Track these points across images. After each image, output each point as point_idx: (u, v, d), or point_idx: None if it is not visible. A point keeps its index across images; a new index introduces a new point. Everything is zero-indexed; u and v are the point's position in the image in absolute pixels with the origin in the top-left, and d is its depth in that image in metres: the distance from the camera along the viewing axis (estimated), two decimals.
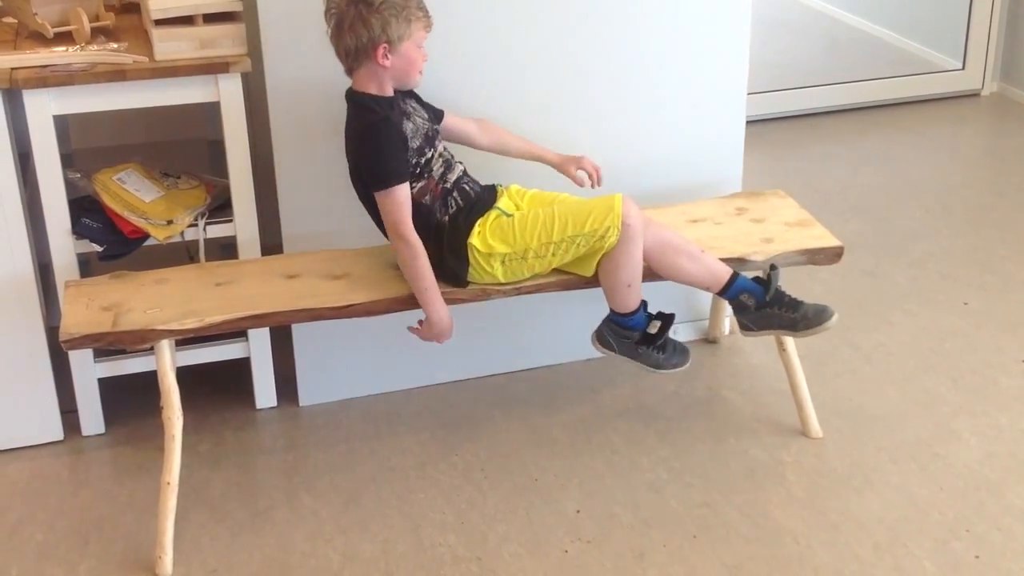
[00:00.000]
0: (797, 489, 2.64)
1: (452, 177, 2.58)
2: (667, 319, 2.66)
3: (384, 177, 2.45)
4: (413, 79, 2.51)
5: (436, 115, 2.64)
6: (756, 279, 2.67)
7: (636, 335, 2.66)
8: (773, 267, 2.66)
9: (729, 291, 2.66)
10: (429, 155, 2.54)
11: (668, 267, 2.62)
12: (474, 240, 2.53)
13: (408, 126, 2.50)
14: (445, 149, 2.60)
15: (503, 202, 2.63)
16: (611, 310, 2.65)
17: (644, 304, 2.65)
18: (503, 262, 2.54)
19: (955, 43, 5.10)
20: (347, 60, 2.47)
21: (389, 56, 2.43)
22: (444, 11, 2.58)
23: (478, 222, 2.55)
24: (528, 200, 2.67)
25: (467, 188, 2.60)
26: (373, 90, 2.47)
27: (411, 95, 2.59)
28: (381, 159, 2.45)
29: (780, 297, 2.66)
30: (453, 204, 2.56)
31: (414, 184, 2.51)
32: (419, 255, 2.48)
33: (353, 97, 2.50)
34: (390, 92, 2.50)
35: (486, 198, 2.62)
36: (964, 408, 2.93)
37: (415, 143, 2.50)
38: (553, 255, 2.54)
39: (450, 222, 2.54)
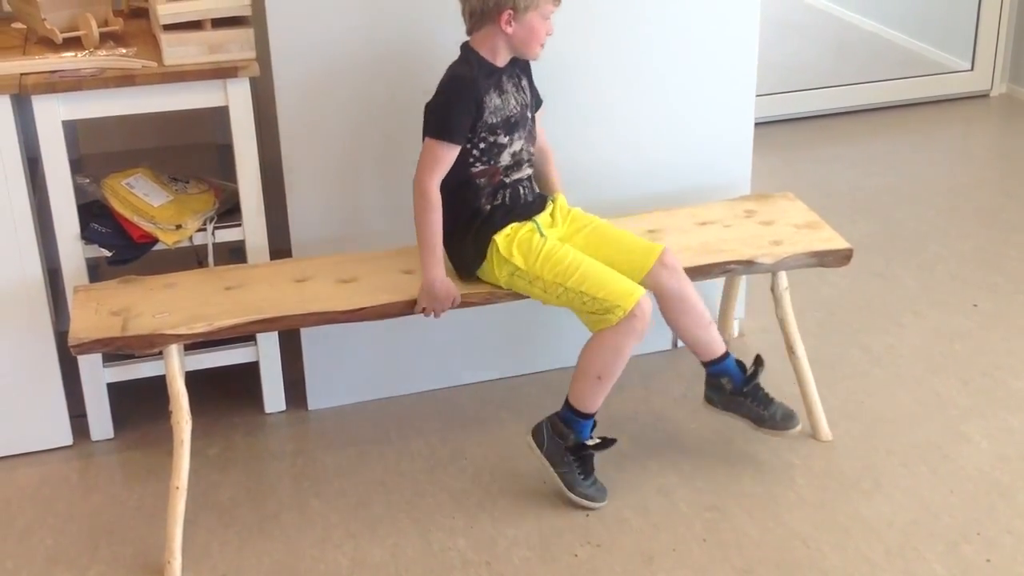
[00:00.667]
0: (807, 492, 2.63)
1: (515, 176, 2.56)
2: (608, 442, 2.58)
3: (438, 127, 2.44)
4: (533, 50, 2.49)
5: (534, 103, 2.61)
6: (739, 363, 2.64)
7: (571, 440, 2.55)
8: (760, 361, 2.65)
9: (714, 367, 2.63)
10: (502, 141, 2.51)
11: (675, 319, 2.58)
12: (499, 239, 2.51)
13: (494, 101, 2.48)
14: (523, 150, 2.57)
15: (543, 217, 2.59)
16: (566, 402, 2.57)
17: (594, 422, 2.59)
18: (512, 273, 2.52)
19: (964, 44, 5.09)
20: (470, 20, 2.46)
21: (512, 23, 2.41)
22: (455, 15, 2.57)
23: (512, 225, 2.53)
24: (570, 221, 2.63)
25: (521, 191, 2.58)
26: (484, 52, 2.47)
27: (525, 72, 2.57)
28: (446, 110, 2.44)
29: (756, 391, 2.64)
30: (501, 198, 2.55)
31: (476, 164, 2.50)
32: (432, 210, 2.46)
33: (463, 48, 2.50)
34: (499, 62, 2.48)
35: (533, 206, 2.60)
36: (974, 410, 2.92)
37: (491, 119, 2.48)
38: (558, 297, 2.50)
39: (489, 213, 2.53)
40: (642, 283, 2.51)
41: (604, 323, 2.46)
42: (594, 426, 2.58)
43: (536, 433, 2.60)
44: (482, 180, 2.52)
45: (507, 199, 2.55)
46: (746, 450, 2.77)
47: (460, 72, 2.47)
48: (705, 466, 2.72)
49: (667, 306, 2.57)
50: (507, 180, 2.55)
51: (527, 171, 2.60)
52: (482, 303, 2.59)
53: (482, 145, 2.49)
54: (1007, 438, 2.81)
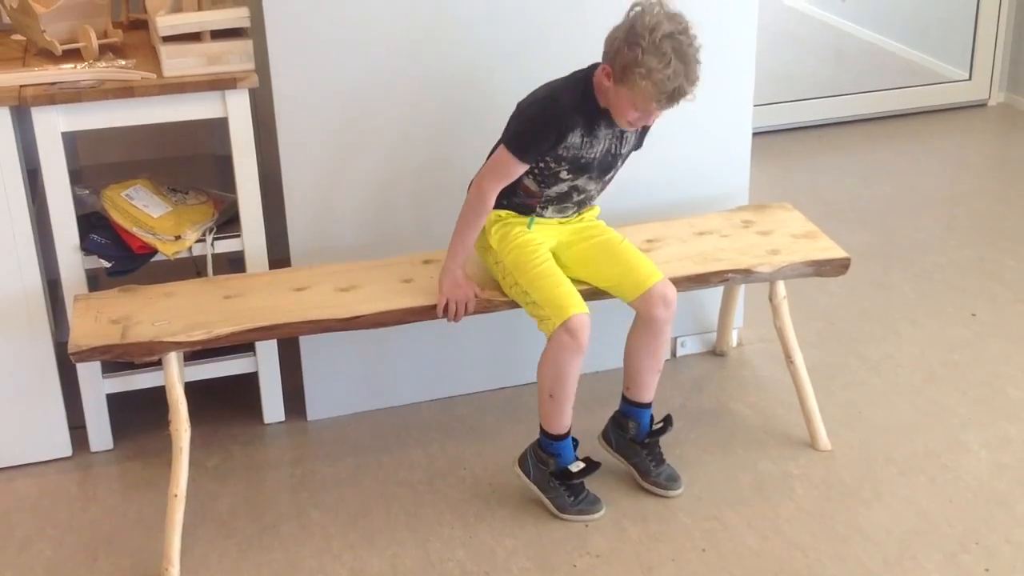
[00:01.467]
0: (806, 502, 2.63)
1: (552, 207, 2.56)
2: (592, 466, 2.59)
3: (518, 142, 2.41)
4: (619, 119, 2.41)
5: (631, 151, 2.58)
6: (651, 417, 2.67)
7: (553, 464, 2.57)
8: (669, 420, 2.68)
9: (631, 409, 2.66)
10: (563, 176, 2.48)
11: (637, 347, 2.60)
12: (491, 216, 2.53)
13: (575, 139, 2.43)
14: (582, 190, 2.53)
15: (546, 219, 2.59)
16: (540, 426, 2.59)
17: (575, 442, 2.59)
18: (488, 253, 2.57)
19: (962, 54, 5.10)
20: (604, 45, 2.38)
21: (611, 81, 2.34)
22: (452, 26, 2.58)
23: (510, 211, 2.55)
24: (582, 229, 2.61)
25: (537, 208, 2.57)
26: (597, 87, 2.40)
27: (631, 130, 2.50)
28: (531, 129, 2.41)
29: (654, 447, 2.67)
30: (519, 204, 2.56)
31: (528, 180, 2.49)
32: (481, 214, 2.48)
33: (588, 69, 2.44)
34: (603, 103, 2.42)
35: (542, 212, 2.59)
36: (973, 420, 2.92)
37: (564, 153, 2.44)
38: (510, 288, 2.53)
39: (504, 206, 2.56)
40: (633, 302, 2.53)
41: (543, 330, 2.49)
42: (576, 444, 2.59)
43: (522, 462, 2.63)
44: (522, 195, 2.53)
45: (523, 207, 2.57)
46: (745, 460, 2.77)
47: (560, 99, 2.40)
48: (704, 476, 2.72)
49: (639, 333, 2.58)
50: (540, 207, 2.56)
51: (568, 209, 2.59)
52: (477, 311, 2.59)
53: (542, 166, 2.48)
54: (1005, 447, 2.81)
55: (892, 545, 2.49)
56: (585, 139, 2.44)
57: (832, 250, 2.79)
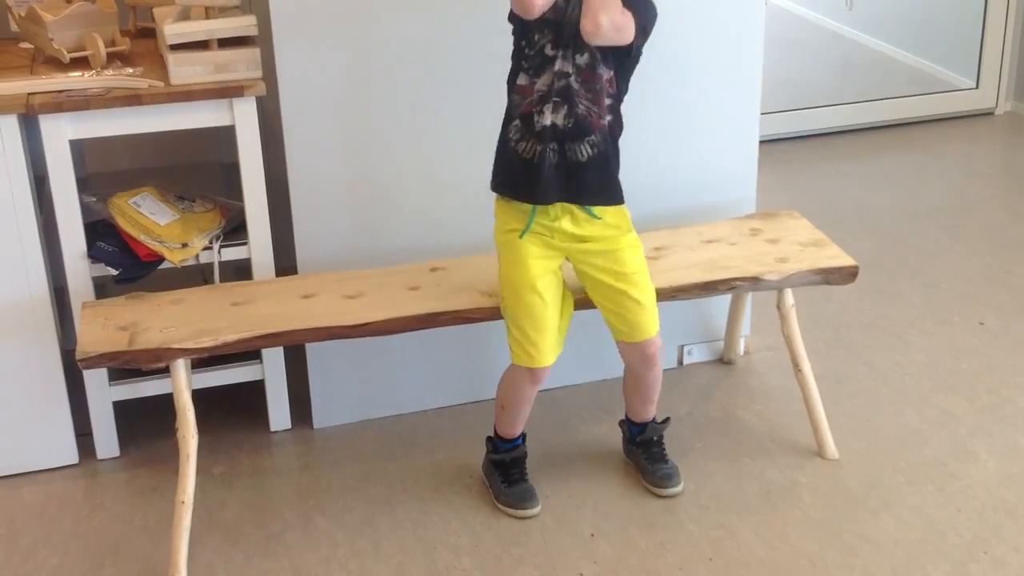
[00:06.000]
0: (813, 511, 2.62)
1: (543, 120, 2.32)
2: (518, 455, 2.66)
3: None
4: None
5: (611, 61, 2.33)
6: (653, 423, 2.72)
7: (498, 456, 2.66)
8: (665, 421, 2.72)
9: (627, 421, 2.73)
10: (545, 50, 2.29)
11: (626, 386, 2.67)
12: (498, 202, 2.46)
13: None
14: (567, 88, 2.29)
15: (547, 220, 2.39)
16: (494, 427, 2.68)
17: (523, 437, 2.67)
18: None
19: (969, 62, 5.10)
20: None
21: None
22: (460, 35, 2.58)
23: (511, 200, 2.41)
24: (598, 253, 2.44)
25: (548, 157, 2.33)
26: None
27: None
28: None
29: (650, 446, 2.71)
30: (527, 146, 2.35)
31: (521, 74, 2.33)
32: None
33: None
34: None
35: (548, 189, 2.35)
36: (981, 428, 2.91)
37: (550, 15, 2.25)
38: (501, 289, 2.51)
39: (511, 152, 2.38)
40: (619, 346, 2.55)
41: (510, 350, 2.51)
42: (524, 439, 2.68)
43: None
44: (516, 97, 2.35)
45: (531, 153, 2.34)
46: (752, 469, 2.76)
47: None
48: (711, 485, 2.71)
49: (627, 373, 2.64)
50: (536, 120, 2.32)
51: (561, 125, 2.32)
52: (484, 319, 2.59)
53: (530, 51, 2.31)
54: (1014, 456, 2.80)
55: (900, 554, 2.48)
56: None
57: (840, 258, 2.78)
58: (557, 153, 2.35)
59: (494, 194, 2.47)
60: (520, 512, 2.61)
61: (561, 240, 2.43)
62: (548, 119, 2.33)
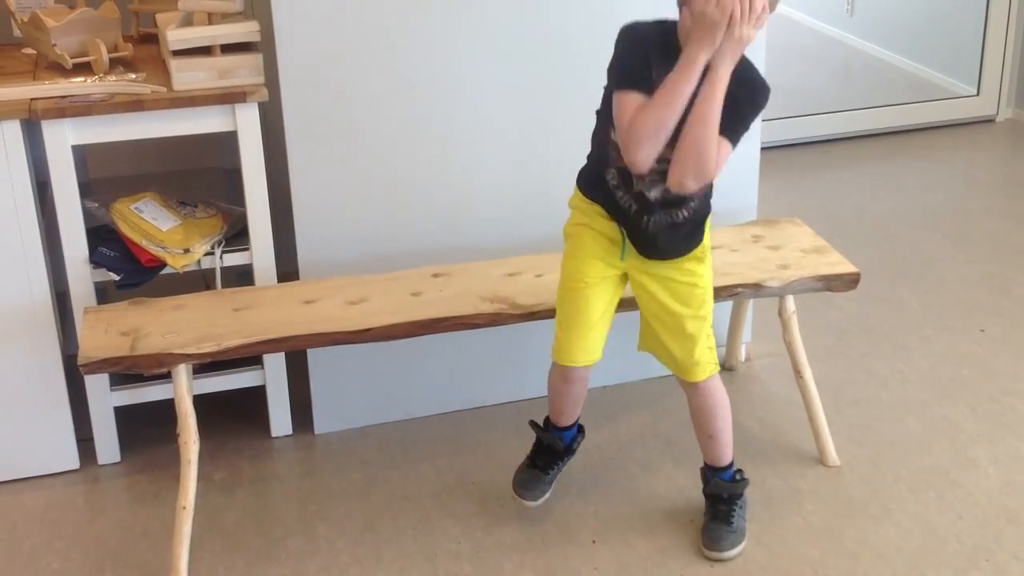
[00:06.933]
0: (815, 518, 2.62)
1: (648, 191, 2.27)
2: (548, 438, 2.61)
3: (619, 76, 2.20)
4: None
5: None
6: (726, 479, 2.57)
7: (537, 433, 2.63)
8: (739, 479, 2.57)
9: (705, 466, 2.58)
10: None
11: (700, 423, 2.52)
12: (576, 192, 2.39)
13: (661, 71, 2.14)
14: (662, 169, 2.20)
15: (623, 261, 2.37)
16: None
17: (581, 432, 2.65)
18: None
19: (970, 69, 5.11)
20: None
21: (681, 8, 2.15)
22: (465, 40, 2.59)
23: (593, 200, 2.35)
24: (660, 279, 2.37)
25: (633, 206, 2.29)
26: (681, 27, 2.17)
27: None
28: (623, 56, 2.20)
29: (715, 500, 2.55)
30: (622, 196, 2.29)
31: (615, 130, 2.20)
32: (644, 107, 2.13)
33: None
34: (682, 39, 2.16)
35: (633, 222, 2.31)
36: (982, 435, 2.91)
37: (657, 77, 2.15)
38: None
39: (601, 182, 2.32)
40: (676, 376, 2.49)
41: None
42: (581, 431, 2.65)
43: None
44: (612, 152, 2.26)
45: (628, 204, 2.29)
46: (753, 476, 2.76)
47: (638, 27, 2.20)
48: None
49: (690, 408, 2.54)
50: (635, 183, 2.26)
51: (660, 197, 2.26)
52: (485, 324, 2.59)
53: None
54: (1015, 463, 2.80)
55: (901, 562, 2.48)
56: (665, 70, 2.16)
57: (842, 265, 2.78)
58: (654, 218, 2.30)
59: (575, 187, 2.40)
60: (516, 495, 2.60)
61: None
62: (647, 191, 2.26)
